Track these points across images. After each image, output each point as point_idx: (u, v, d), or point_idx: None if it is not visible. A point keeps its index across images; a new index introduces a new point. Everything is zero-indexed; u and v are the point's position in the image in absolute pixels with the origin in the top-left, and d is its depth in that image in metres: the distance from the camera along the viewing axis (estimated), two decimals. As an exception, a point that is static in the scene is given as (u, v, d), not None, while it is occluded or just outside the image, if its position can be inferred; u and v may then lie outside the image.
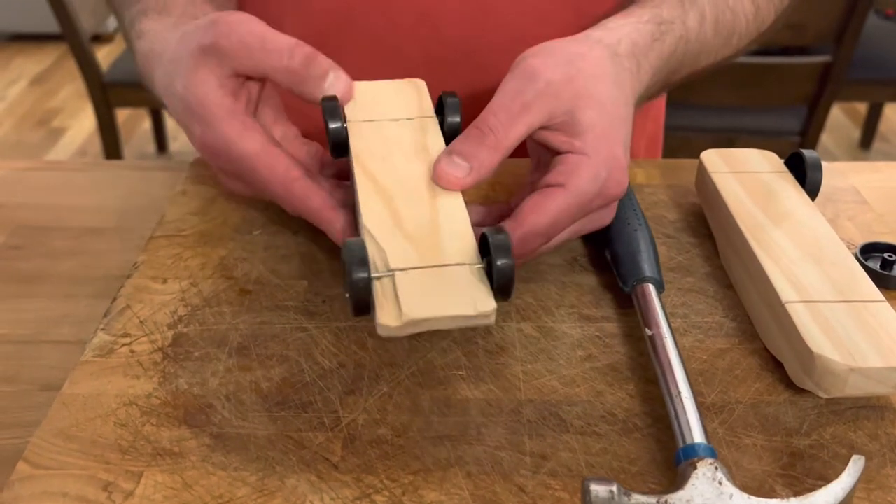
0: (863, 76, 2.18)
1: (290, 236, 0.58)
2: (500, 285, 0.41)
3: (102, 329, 0.51)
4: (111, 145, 2.25)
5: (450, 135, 0.50)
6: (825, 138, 2.86)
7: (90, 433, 0.44)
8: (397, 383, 0.46)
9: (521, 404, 0.45)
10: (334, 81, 0.51)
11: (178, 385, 0.47)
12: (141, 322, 0.51)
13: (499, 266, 0.41)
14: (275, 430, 0.44)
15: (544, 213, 0.47)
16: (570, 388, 0.46)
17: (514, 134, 0.48)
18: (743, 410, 0.45)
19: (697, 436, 0.40)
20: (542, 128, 0.49)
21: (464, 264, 0.42)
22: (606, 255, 0.54)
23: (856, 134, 2.98)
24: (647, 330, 0.47)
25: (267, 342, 0.49)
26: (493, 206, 0.54)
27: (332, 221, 0.49)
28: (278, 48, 0.50)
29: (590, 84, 0.49)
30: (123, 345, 0.49)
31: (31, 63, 3.52)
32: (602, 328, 0.50)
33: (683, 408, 0.42)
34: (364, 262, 0.41)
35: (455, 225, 0.44)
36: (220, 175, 0.55)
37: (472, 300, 0.40)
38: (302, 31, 0.71)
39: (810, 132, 1.97)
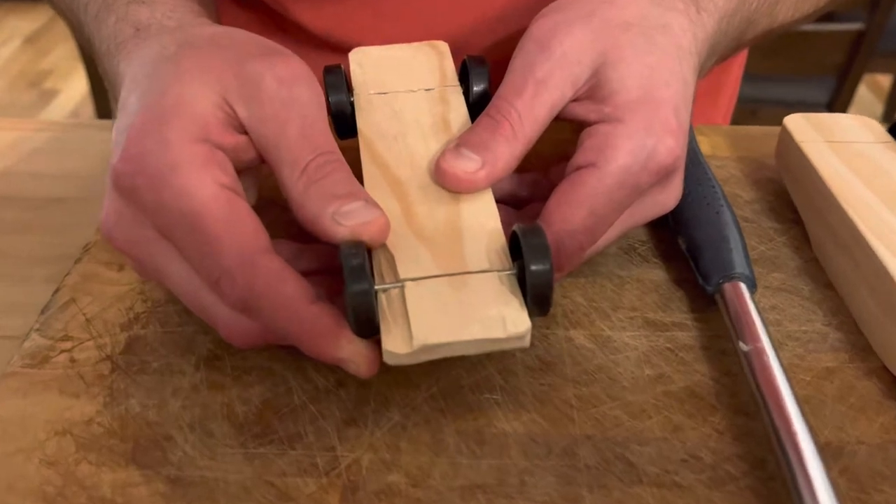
0: (893, 47, 2.06)
1: (279, 212, 0.47)
2: (535, 296, 0.32)
3: (37, 330, 0.40)
4: (104, 108, 2.14)
5: (476, 107, 0.39)
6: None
7: (8, 474, 0.33)
8: (413, 410, 0.36)
9: (575, 442, 0.34)
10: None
11: (129, 407, 0.36)
12: (87, 321, 0.40)
13: (533, 271, 0.31)
14: (251, 472, 0.33)
15: (576, 205, 0.36)
16: (638, 420, 0.35)
17: (533, 119, 0.37)
18: (867, 454, 0.34)
19: (825, 496, 0.30)
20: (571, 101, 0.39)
21: (491, 271, 0.33)
22: (680, 243, 0.43)
23: (878, 108, 2.85)
24: (741, 344, 0.36)
25: (245, 351, 0.38)
26: (526, 175, 0.43)
27: (318, 321, 0.32)
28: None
29: (619, 35, 0.38)
30: (62, 351, 0.39)
31: (24, 22, 3.40)
32: (674, 338, 0.40)
33: (799, 453, 0.31)
34: (363, 270, 0.31)
35: (482, 221, 0.35)
36: (118, 230, 0.35)
37: (501, 318, 0.31)
38: None
39: (837, 104, 1.86)
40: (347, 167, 0.35)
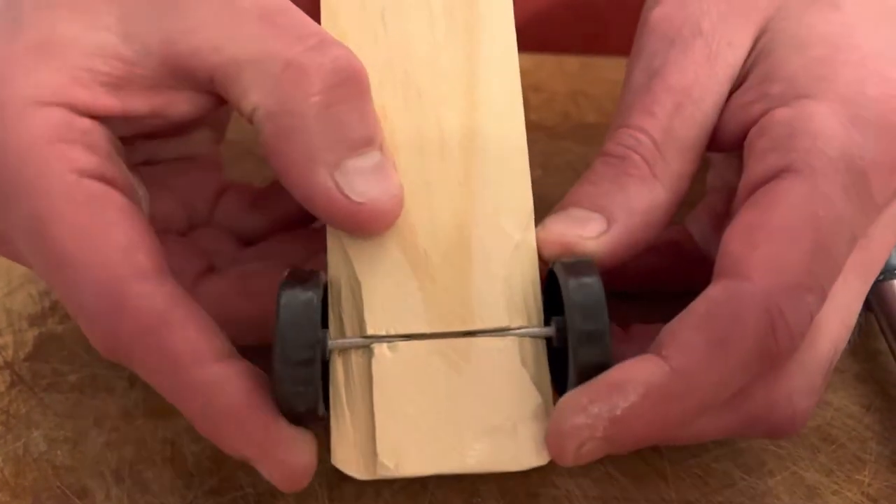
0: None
1: (255, 166, 0.36)
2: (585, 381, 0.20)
3: (-88, 321, 0.29)
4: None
5: None
6: None
7: None
8: (436, 456, 0.25)
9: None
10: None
11: (30, 443, 0.25)
12: (-15, 309, 0.30)
13: (582, 335, 0.20)
14: (201, 552, 0.23)
15: (785, 237, 0.21)
16: (756, 476, 0.25)
17: (679, 146, 0.24)
18: None
19: None
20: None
21: (510, 331, 0.21)
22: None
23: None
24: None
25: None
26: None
27: (213, 393, 0.20)
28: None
29: None
30: (-56, 354, 0.28)
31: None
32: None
33: None
34: (312, 320, 0.20)
35: (505, 228, 0.22)
36: None
37: (513, 435, 0.20)
38: None
39: None
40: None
